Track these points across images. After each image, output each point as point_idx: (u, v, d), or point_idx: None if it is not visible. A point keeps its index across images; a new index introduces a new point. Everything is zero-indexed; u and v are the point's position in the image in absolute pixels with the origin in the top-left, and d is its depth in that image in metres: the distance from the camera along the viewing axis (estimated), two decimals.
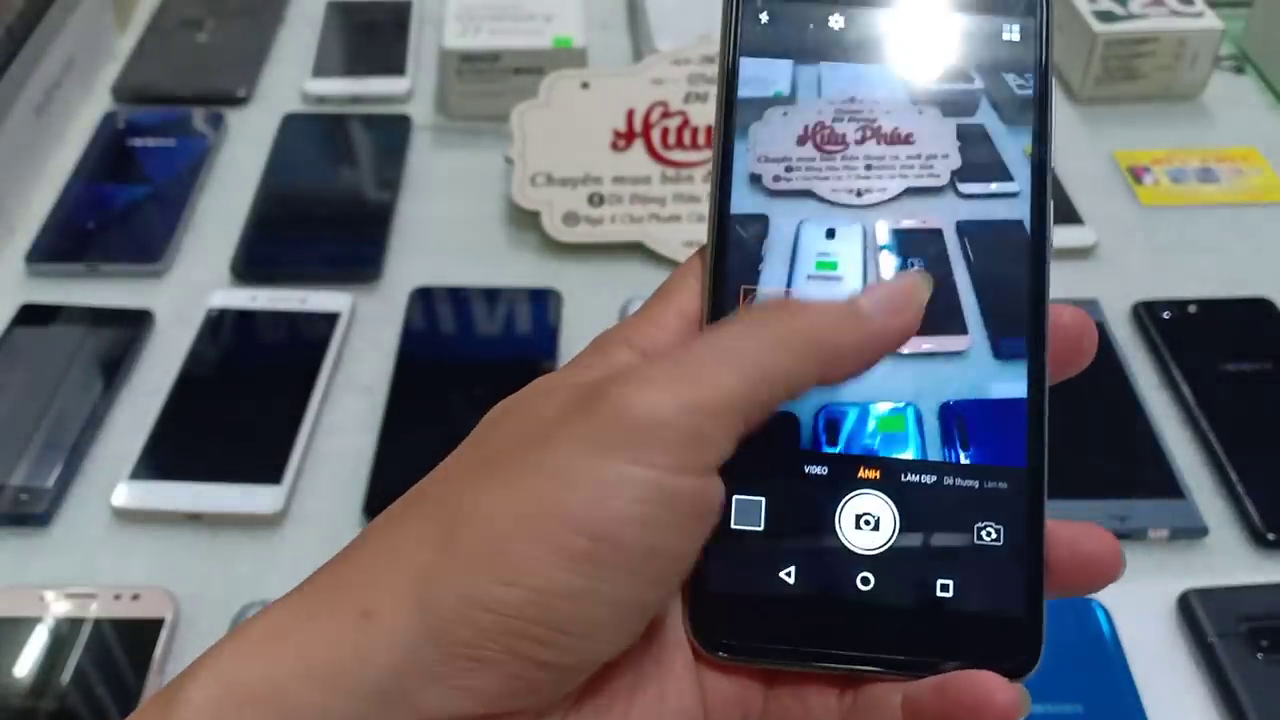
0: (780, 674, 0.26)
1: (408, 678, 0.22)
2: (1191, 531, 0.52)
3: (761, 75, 0.28)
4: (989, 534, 0.27)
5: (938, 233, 0.29)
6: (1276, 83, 0.82)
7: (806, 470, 0.26)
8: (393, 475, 0.54)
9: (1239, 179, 0.74)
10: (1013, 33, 0.33)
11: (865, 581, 0.26)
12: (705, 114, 0.71)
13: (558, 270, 0.66)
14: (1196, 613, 0.48)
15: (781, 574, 0.26)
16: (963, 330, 0.28)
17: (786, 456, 0.26)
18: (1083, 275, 0.67)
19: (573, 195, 0.68)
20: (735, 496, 0.26)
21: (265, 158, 0.73)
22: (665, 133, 0.70)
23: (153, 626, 0.47)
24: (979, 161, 0.31)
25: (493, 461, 0.24)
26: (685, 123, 0.71)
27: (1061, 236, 0.68)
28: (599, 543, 0.22)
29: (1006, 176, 0.32)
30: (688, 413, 0.23)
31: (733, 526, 0.26)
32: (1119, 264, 0.68)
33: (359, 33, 0.86)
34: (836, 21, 0.29)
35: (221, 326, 0.61)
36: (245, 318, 0.62)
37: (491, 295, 0.64)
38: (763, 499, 0.26)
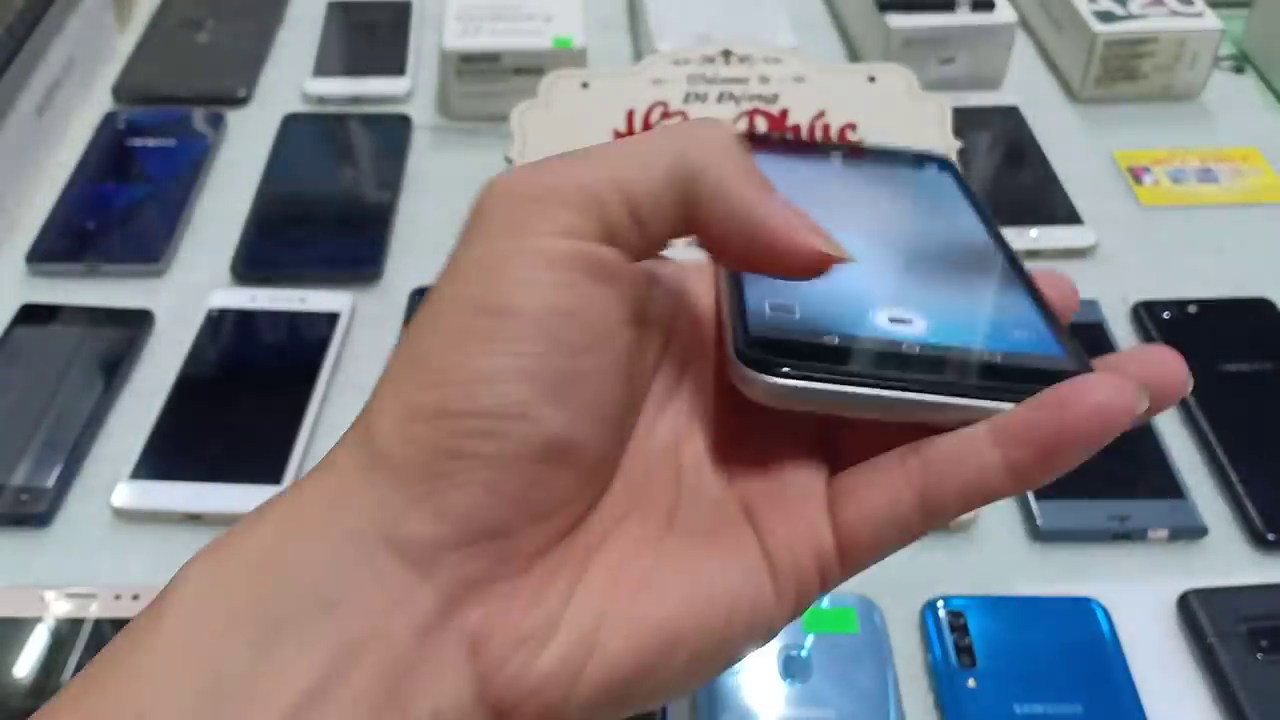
0: (842, 445, 0.25)
1: (374, 518, 0.22)
2: (1191, 532, 0.52)
3: None
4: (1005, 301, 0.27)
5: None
6: (1276, 83, 0.82)
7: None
8: None
9: (1239, 179, 0.74)
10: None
11: (911, 345, 0.24)
12: (705, 114, 0.71)
13: None
14: (1196, 613, 0.48)
15: (826, 325, 0.25)
16: None
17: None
18: (1082, 275, 0.66)
19: None
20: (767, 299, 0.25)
21: (265, 158, 0.73)
22: None
23: None
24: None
25: (430, 291, 0.24)
26: None
27: (1061, 236, 0.68)
28: (499, 318, 0.22)
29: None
30: (573, 182, 0.23)
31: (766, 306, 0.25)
32: (1119, 264, 0.68)
33: (359, 33, 0.86)
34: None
35: (221, 326, 0.61)
36: (245, 318, 0.62)
37: None
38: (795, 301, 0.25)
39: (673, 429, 0.26)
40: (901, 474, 0.23)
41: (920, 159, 0.34)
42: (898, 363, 0.24)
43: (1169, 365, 0.24)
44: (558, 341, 0.22)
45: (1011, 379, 0.24)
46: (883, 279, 0.27)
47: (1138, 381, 0.23)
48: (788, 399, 0.24)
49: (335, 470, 0.23)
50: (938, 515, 0.23)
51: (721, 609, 0.23)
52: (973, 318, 0.26)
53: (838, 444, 0.26)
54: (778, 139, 0.34)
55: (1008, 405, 0.23)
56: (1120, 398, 0.22)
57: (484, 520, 0.22)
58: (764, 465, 0.25)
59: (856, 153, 0.33)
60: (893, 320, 0.25)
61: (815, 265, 0.24)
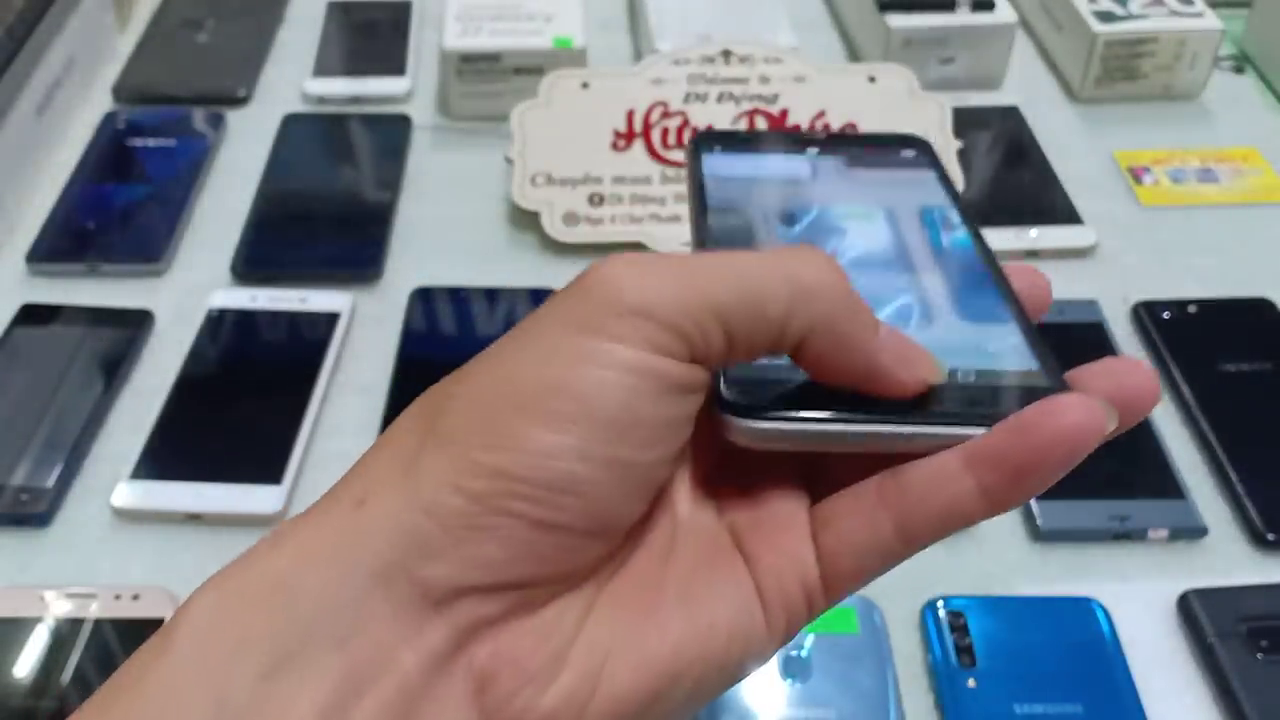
0: (821, 487, 0.25)
1: (406, 554, 0.22)
2: (1191, 531, 0.52)
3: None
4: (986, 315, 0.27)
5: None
6: (1276, 83, 0.82)
7: None
8: None
9: (1239, 179, 0.74)
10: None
11: None
12: (705, 114, 0.71)
13: (558, 270, 0.66)
14: (1196, 613, 0.48)
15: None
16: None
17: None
18: (1082, 275, 0.67)
19: (573, 195, 0.68)
20: None
21: (265, 158, 0.73)
22: (665, 133, 0.70)
23: (153, 626, 0.47)
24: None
25: (484, 353, 0.24)
26: (685, 123, 0.71)
27: (1061, 236, 0.68)
28: (579, 403, 0.22)
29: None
30: (676, 303, 0.23)
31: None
32: (1119, 264, 0.68)
33: (359, 33, 0.86)
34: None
35: (221, 326, 0.61)
36: (245, 318, 0.62)
37: (491, 295, 0.64)
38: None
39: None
40: (879, 501, 0.24)
41: (894, 143, 0.33)
42: (874, 402, 0.24)
43: (1139, 378, 0.24)
44: (625, 438, 0.22)
45: (985, 401, 0.24)
46: (861, 295, 0.27)
47: (1108, 396, 0.23)
48: (765, 441, 0.24)
49: (366, 506, 0.23)
50: (916, 541, 0.24)
51: (721, 638, 0.24)
52: (948, 334, 0.26)
53: (821, 470, 0.26)
54: (744, 136, 0.34)
55: (981, 430, 0.23)
56: (1089, 419, 0.22)
57: (513, 574, 0.22)
58: (750, 495, 0.26)
59: (829, 144, 0.33)
60: None
61: (917, 393, 0.25)
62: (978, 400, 0.24)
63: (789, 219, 0.30)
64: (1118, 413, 0.23)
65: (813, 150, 0.32)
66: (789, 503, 0.25)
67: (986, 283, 0.28)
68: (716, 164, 0.30)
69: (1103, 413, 0.23)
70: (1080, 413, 0.22)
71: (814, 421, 0.24)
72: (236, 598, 0.22)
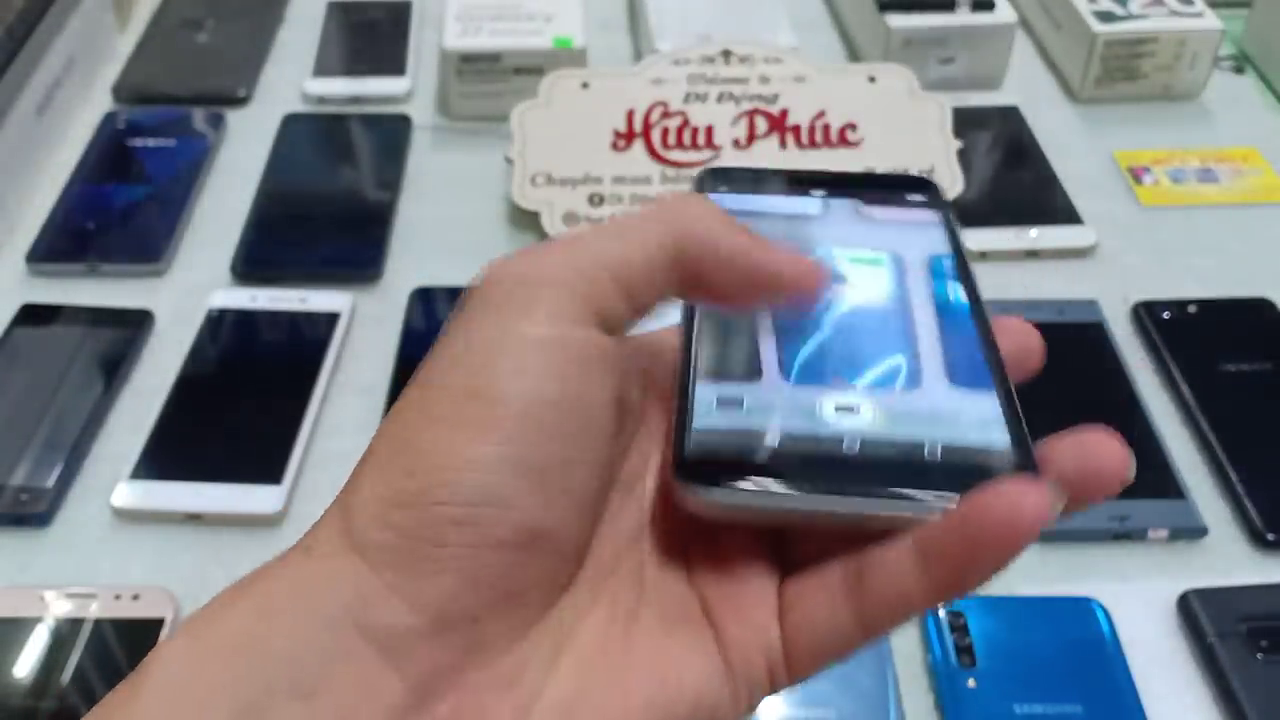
0: (782, 556, 0.25)
1: (351, 599, 0.21)
2: (1191, 531, 0.52)
3: None
4: (960, 383, 0.27)
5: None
6: (1276, 83, 0.82)
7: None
8: None
9: (1239, 179, 0.74)
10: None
11: (851, 440, 0.25)
12: (705, 114, 0.71)
13: None
14: (1196, 613, 0.48)
15: (766, 432, 0.25)
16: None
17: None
18: (1083, 275, 0.67)
19: (573, 195, 0.68)
20: (707, 382, 0.26)
21: (265, 158, 0.73)
22: (665, 133, 0.70)
23: (153, 626, 0.47)
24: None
25: (417, 372, 0.24)
26: (685, 123, 0.71)
27: (1061, 236, 0.68)
28: (487, 405, 0.22)
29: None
30: (567, 267, 0.23)
31: (706, 392, 0.26)
32: (1119, 264, 0.68)
33: (359, 33, 0.86)
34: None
35: (221, 326, 0.61)
36: (245, 318, 0.62)
37: None
38: (739, 388, 0.26)
39: (638, 516, 0.26)
40: (841, 587, 0.24)
41: (903, 186, 0.33)
42: (834, 466, 0.24)
43: (1108, 454, 0.23)
44: (544, 431, 0.22)
45: (948, 478, 0.23)
46: (838, 351, 0.27)
47: (1074, 471, 0.23)
48: (721, 514, 0.24)
49: (312, 553, 0.22)
50: (873, 630, 0.23)
51: (688, 704, 0.23)
52: (929, 400, 0.26)
53: (790, 541, 0.26)
54: (749, 175, 0.33)
55: (938, 511, 0.23)
56: (1031, 509, 0.21)
57: (458, 608, 0.22)
58: (720, 563, 0.25)
59: (835, 184, 0.33)
60: (839, 409, 0.25)
61: (816, 280, 0.25)
62: (942, 476, 0.24)
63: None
64: (1066, 494, 0.23)
65: (818, 191, 0.32)
66: (758, 577, 0.25)
67: (975, 345, 0.27)
68: (720, 202, 0.31)
69: (1046, 501, 0.22)
70: (1021, 504, 0.21)
71: (767, 495, 0.24)
72: (205, 647, 0.21)
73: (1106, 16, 0.78)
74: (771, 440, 0.25)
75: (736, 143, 0.70)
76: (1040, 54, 0.85)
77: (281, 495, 0.53)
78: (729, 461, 0.24)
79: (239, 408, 0.57)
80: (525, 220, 0.69)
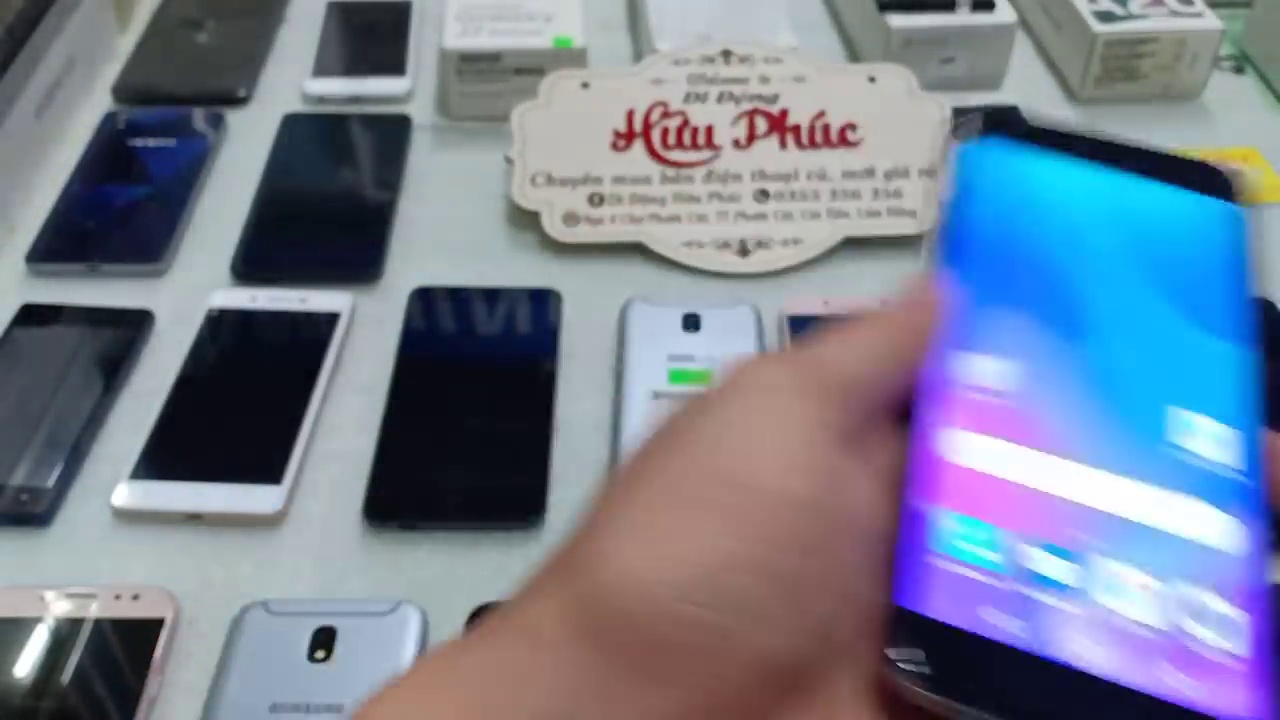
0: None
1: (576, 700, 0.19)
2: None
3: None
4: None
5: None
6: (1276, 83, 0.82)
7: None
8: (393, 475, 0.54)
9: None
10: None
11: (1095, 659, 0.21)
12: (705, 114, 0.71)
13: (558, 270, 0.66)
14: None
15: (1003, 618, 0.21)
16: None
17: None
18: None
19: (573, 195, 0.68)
20: (953, 513, 0.22)
21: (265, 158, 0.73)
22: (665, 133, 0.70)
23: (153, 626, 0.47)
24: None
25: (658, 435, 0.22)
26: (685, 123, 0.71)
27: None
28: (741, 492, 0.20)
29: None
30: (828, 372, 0.23)
31: (951, 544, 0.22)
32: None
33: (359, 33, 0.86)
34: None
35: (221, 326, 0.61)
36: (245, 318, 0.62)
37: (491, 295, 0.64)
38: (993, 524, 0.22)
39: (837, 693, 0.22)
40: None
41: (1198, 189, 0.28)
42: (1070, 694, 0.20)
43: None
44: (796, 534, 0.20)
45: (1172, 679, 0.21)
46: (1093, 468, 0.23)
47: None
48: (935, 708, 0.21)
49: (535, 640, 0.20)
50: None
51: None
52: (1162, 512, 0.22)
53: None
54: (1037, 131, 0.28)
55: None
56: None
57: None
58: None
59: (1132, 159, 0.28)
60: (1110, 596, 0.22)
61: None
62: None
63: (1050, 267, 0.26)
64: None
65: (1109, 169, 0.28)
66: None
67: (1243, 435, 0.23)
68: (983, 166, 0.26)
69: None
70: None
71: (986, 707, 0.20)
72: None
73: (1106, 16, 0.78)
74: (1011, 634, 0.21)
75: (736, 143, 0.70)
76: (1040, 54, 0.85)
77: (281, 495, 0.53)
78: (946, 639, 0.21)
79: (239, 408, 0.57)
80: (525, 220, 0.69)
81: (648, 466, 0.21)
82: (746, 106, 0.71)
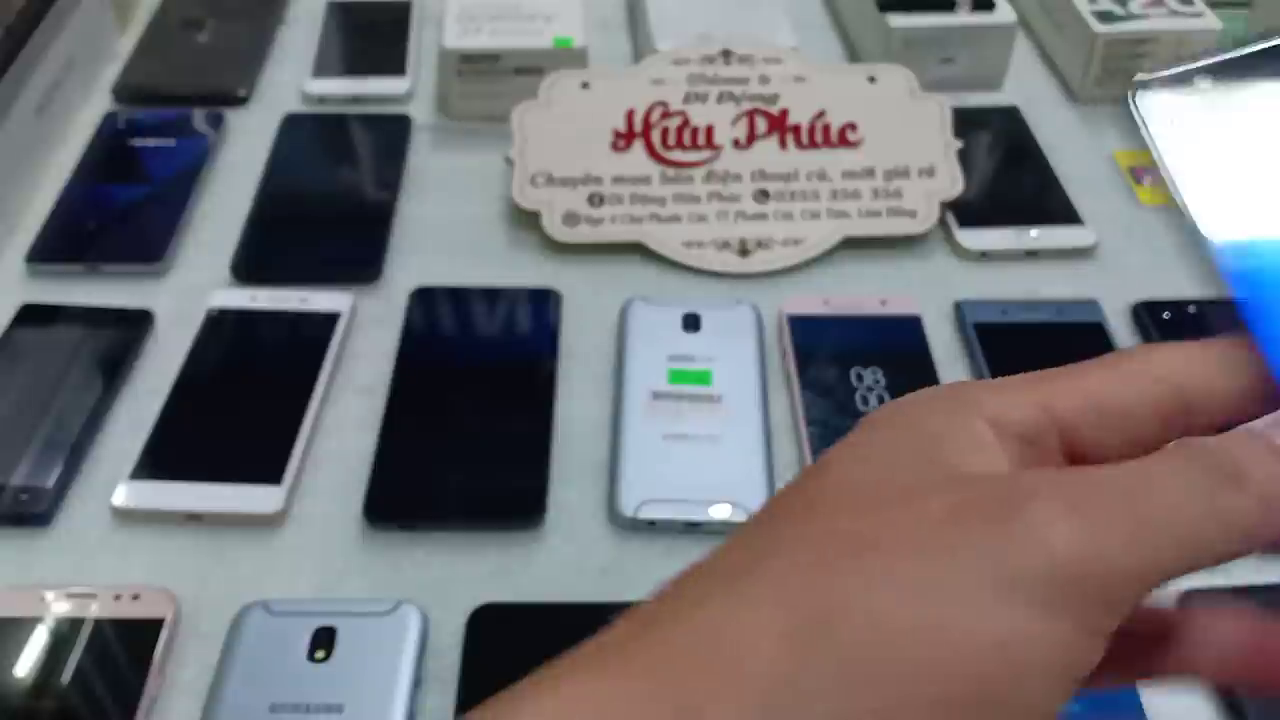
0: None
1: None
2: None
3: None
4: None
5: None
6: None
7: None
8: (393, 476, 0.54)
9: None
10: None
11: None
12: (705, 114, 0.71)
13: (558, 270, 0.66)
14: None
15: None
16: None
17: None
18: (1083, 275, 0.67)
19: (573, 195, 0.68)
20: None
21: (265, 158, 0.73)
22: (665, 133, 0.70)
23: (153, 626, 0.47)
24: None
25: (859, 539, 0.20)
26: (685, 123, 0.71)
27: (1061, 236, 0.68)
28: (984, 688, 0.18)
29: None
30: (1115, 567, 0.19)
31: None
32: (1119, 264, 0.68)
33: (359, 33, 0.86)
34: None
35: (221, 326, 0.61)
36: (245, 318, 0.62)
37: (491, 295, 0.64)
38: None
39: None
40: None
41: None
42: None
43: None
44: None
45: None
46: None
47: None
48: None
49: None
50: None
51: None
52: None
53: None
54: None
55: None
56: None
57: None
58: None
59: None
60: None
61: None
62: None
63: None
64: None
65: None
66: None
67: None
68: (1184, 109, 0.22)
69: None
70: None
71: None
72: None
73: (1106, 16, 0.78)
74: None
75: (736, 143, 0.70)
76: (1040, 54, 0.85)
77: (281, 495, 0.53)
78: None
79: (239, 408, 0.57)
80: (525, 220, 0.69)
81: (870, 566, 0.20)
82: (746, 106, 0.71)
